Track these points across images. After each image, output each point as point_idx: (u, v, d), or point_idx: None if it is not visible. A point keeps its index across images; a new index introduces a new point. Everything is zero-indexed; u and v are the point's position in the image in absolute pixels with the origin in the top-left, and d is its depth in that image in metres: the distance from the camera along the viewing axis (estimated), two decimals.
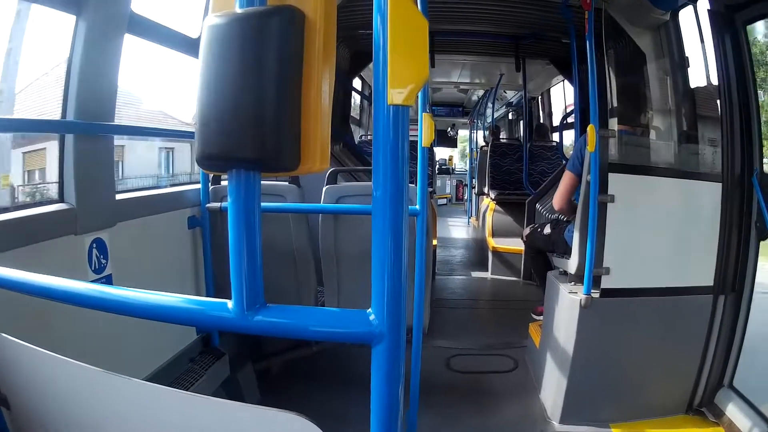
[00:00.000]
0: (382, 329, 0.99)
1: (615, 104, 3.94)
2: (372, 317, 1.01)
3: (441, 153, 21.03)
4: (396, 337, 1.00)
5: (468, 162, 17.02)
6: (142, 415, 1.38)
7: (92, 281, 2.88)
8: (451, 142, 21.81)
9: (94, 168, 2.98)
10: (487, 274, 8.20)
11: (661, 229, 3.71)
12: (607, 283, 3.64)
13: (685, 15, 4.00)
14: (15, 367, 1.52)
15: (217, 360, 3.99)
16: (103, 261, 3.01)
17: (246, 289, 1.03)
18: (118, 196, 3.22)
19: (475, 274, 8.35)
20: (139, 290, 1.18)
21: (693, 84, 4.04)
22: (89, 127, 2.92)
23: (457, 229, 12.95)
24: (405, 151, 0.96)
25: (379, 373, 1.02)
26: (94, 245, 2.94)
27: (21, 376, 1.53)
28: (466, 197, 16.19)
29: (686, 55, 4.01)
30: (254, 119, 0.92)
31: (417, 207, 3.22)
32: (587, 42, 3.71)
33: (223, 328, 1.10)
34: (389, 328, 0.99)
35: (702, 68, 3.85)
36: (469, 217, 13.70)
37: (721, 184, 3.68)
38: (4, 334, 1.50)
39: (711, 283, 3.73)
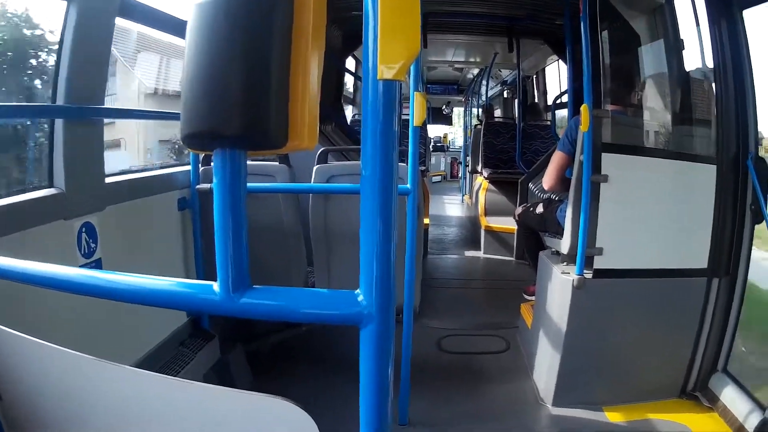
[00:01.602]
0: (371, 310, 0.97)
1: (609, 84, 3.91)
2: (360, 298, 0.99)
3: (436, 130, 21.05)
4: (385, 319, 0.98)
5: (462, 139, 17.04)
6: (133, 401, 1.36)
7: (81, 266, 2.87)
8: (446, 120, 21.85)
9: (83, 152, 2.97)
10: (480, 254, 8.19)
11: (655, 210, 3.69)
12: (600, 263, 3.63)
13: None
14: (5, 356, 1.50)
15: (207, 342, 3.99)
16: (93, 245, 2.99)
17: (232, 271, 1.01)
18: (108, 180, 3.20)
19: (468, 253, 8.34)
20: (123, 274, 1.16)
21: (688, 67, 4.02)
22: (79, 111, 2.90)
23: (451, 206, 12.96)
24: (395, 128, 0.93)
25: (368, 355, 1.00)
26: (84, 229, 2.93)
27: (11, 366, 1.51)
28: (460, 175, 16.20)
29: (681, 38, 3.99)
30: (240, 96, 0.89)
31: (408, 186, 3.20)
32: (582, 23, 3.68)
33: (209, 311, 1.08)
34: (378, 309, 0.97)
35: (697, 51, 3.83)
36: (463, 195, 13.73)
37: (715, 166, 3.66)
38: None
39: (705, 265, 3.72)
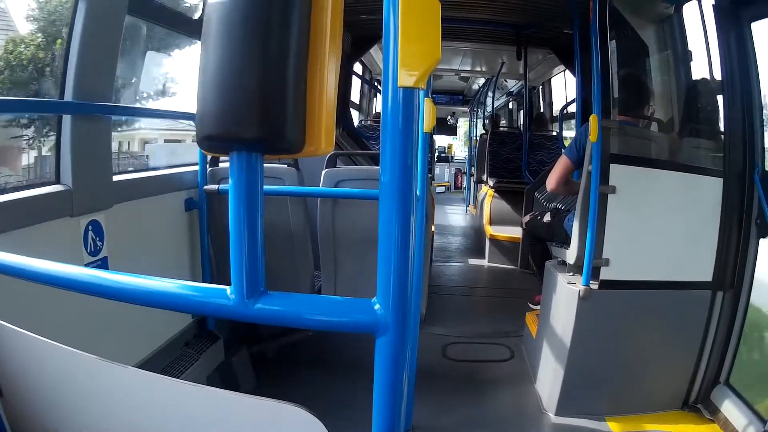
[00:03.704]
0: (387, 320, 0.96)
1: (617, 95, 3.91)
2: (377, 307, 0.98)
3: (440, 141, 21.00)
4: (401, 328, 0.97)
5: (467, 150, 17.03)
6: (137, 403, 1.35)
7: (87, 264, 2.87)
8: (451, 131, 21.84)
9: (91, 149, 2.95)
10: (484, 262, 8.20)
11: (661, 222, 3.69)
12: (606, 274, 3.63)
13: (690, 9, 3.98)
14: (8, 353, 1.49)
15: (212, 344, 3.99)
16: (99, 243, 2.98)
17: (246, 276, 1.00)
18: (115, 178, 3.19)
19: (472, 261, 8.35)
20: (135, 275, 1.15)
21: (695, 78, 4.03)
22: (88, 108, 2.89)
23: (455, 216, 12.94)
24: (414, 136, 0.93)
25: (383, 364, 0.99)
26: (90, 227, 2.91)
27: (14, 363, 1.50)
28: (464, 185, 16.17)
29: (690, 49, 4.00)
30: (258, 99, 0.88)
31: (417, 193, 3.20)
32: (592, 32, 3.68)
33: (222, 316, 1.07)
34: (395, 319, 0.96)
35: (705, 63, 3.83)
36: (467, 205, 13.67)
37: (722, 179, 3.67)
38: None
39: (710, 278, 3.73)
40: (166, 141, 5.92)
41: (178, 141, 6.17)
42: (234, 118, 0.90)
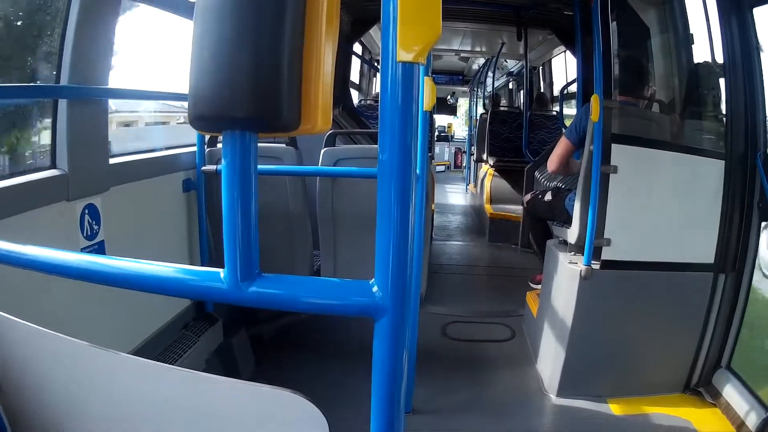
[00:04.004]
0: (386, 302, 0.94)
1: (619, 76, 3.89)
2: (375, 289, 0.95)
3: (440, 120, 20.97)
4: (400, 311, 0.95)
5: (467, 129, 17.03)
6: (134, 390, 1.33)
7: (84, 248, 2.84)
8: (451, 110, 21.79)
9: (87, 132, 2.91)
10: (485, 241, 8.22)
11: (663, 203, 3.68)
12: (607, 254, 3.62)
13: None
14: (4, 343, 1.47)
15: (210, 326, 3.97)
16: (96, 227, 2.95)
17: (240, 258, 0.97)
18: (112, 160, 3.16)
19: (473, 240, 8.39)
20: (128, 260, 1.13)
21: (697, 61, 4.00)
22: (84, 91, 2.86)
23: (455, 195, 12.96)
24: (414, 113, 0.90)
25: (382, 347, 0.97)
26: (87, 211, 2.88)
27: (10, 352, 1.48)
28: (464, 164, 16.17)
29: (691, 32, 3.97)
30: (252, 76, 0.85)
31: (417, 171, 3.18)
32: (593, 13, 3.65)
33: (216, 300, 1.04)
34: (393, 301, 0.94)
35: (707, 46, 3.81)
36: (467, 184, 13.69)
37: (724, 162, 3.65)
38: None
39: (711, 261, 3.71)
40: (147, 124, 5.83)
41: (163, 123, 6.09)
42: (226, 96, 0.87)
